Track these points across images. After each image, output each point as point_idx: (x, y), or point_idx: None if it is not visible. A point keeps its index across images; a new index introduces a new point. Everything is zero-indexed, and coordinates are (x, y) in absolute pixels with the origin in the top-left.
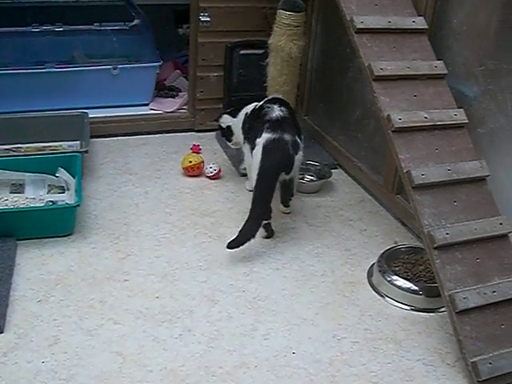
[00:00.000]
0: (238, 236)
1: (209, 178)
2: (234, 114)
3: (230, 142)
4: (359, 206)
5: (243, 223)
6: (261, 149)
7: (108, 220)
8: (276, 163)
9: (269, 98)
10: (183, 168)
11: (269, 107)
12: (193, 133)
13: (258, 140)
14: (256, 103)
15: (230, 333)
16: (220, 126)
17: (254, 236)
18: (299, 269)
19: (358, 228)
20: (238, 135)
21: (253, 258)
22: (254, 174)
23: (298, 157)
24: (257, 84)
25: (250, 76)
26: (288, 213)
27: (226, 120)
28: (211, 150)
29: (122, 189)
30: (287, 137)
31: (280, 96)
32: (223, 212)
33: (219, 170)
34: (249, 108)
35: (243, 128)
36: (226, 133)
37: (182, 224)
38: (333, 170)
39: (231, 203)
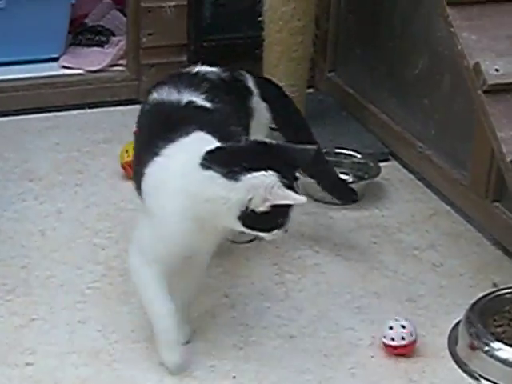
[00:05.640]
0: None
1: None
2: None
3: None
4: (429, 223)
5: None
6: None
7: None
8: None
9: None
10: (122, 165)
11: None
12: (137, 106)
13: None
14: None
15: None
16: None
17: None
18: (329, 336)
19: (428, 262)
20: None
21: (247, 316)
22: None
23: None
24: (245, 19)
25: (234, 5)
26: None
27: None
28: None
29: (16, 206)
30: None
31: None
32: None
33: None
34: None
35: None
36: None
37: (124, 264)
38: (382, 164)
39: None
